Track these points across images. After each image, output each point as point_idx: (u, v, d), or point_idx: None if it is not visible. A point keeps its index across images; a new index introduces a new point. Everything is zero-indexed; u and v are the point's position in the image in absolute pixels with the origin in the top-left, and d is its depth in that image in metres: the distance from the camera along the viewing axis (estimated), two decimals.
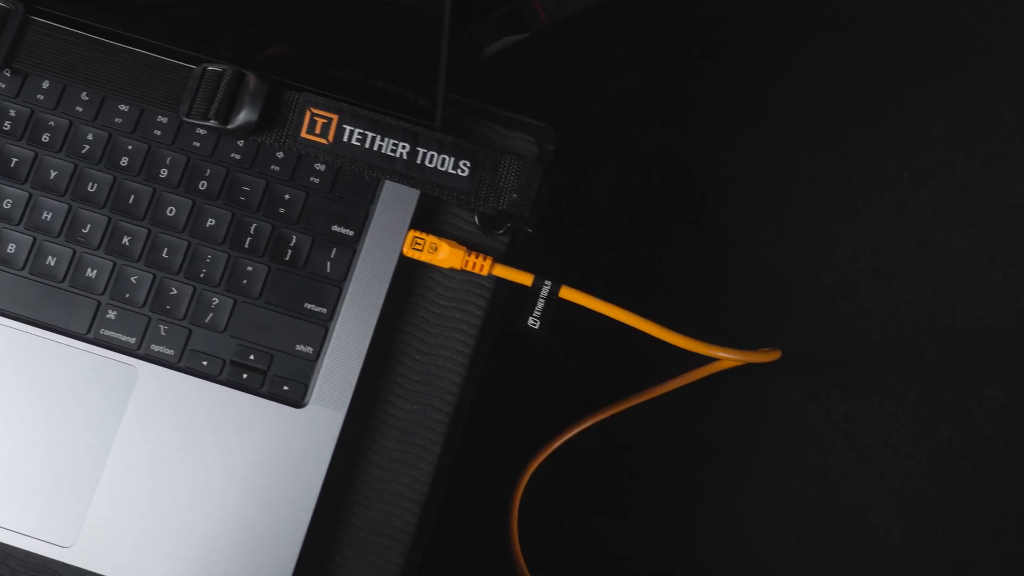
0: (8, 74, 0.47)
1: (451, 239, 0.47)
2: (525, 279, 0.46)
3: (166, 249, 0.46)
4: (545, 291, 0.46)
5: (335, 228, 0.46)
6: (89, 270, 0.45)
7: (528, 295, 0.46)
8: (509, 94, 0.60)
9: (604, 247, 0.59)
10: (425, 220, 0.47)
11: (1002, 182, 0.60)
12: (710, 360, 0.55)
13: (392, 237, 0.46)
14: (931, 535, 0.57)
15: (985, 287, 0.59)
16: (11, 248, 0.45)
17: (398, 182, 0.46)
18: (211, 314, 0.45)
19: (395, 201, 0.46)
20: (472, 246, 0.47)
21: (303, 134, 0.46)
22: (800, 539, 0.57)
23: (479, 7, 0.59)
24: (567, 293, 0.46)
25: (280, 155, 0.46)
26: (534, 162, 0.47)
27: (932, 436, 0.58)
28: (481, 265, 0.46)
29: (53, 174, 0.46)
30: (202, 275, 0.46)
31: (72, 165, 0.46)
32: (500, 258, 0.47)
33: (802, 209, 0.60)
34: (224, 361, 0.45)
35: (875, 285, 0.59)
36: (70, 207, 0.46)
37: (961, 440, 0.58)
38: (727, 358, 0.49)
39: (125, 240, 0.46)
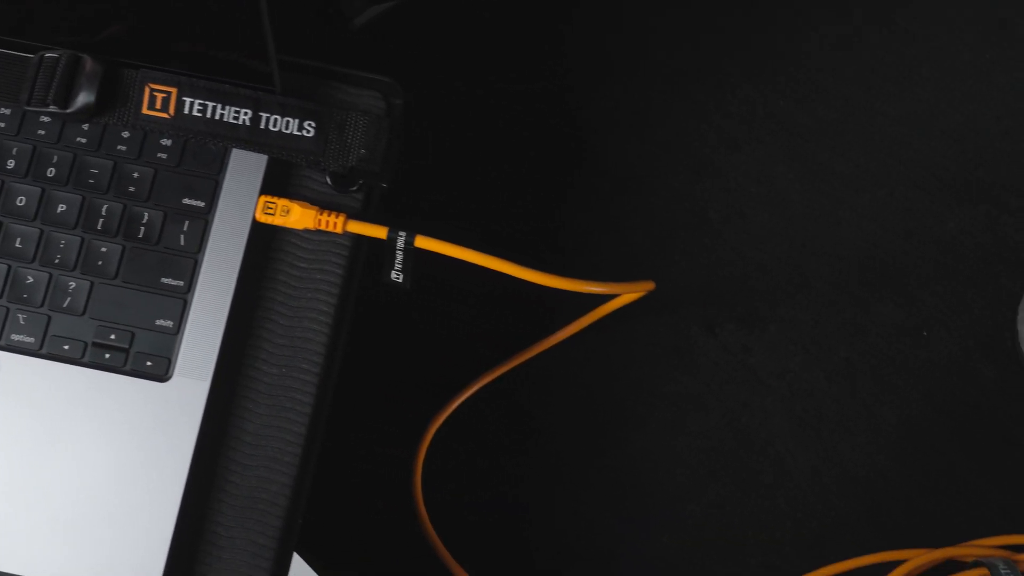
0: None
1: (305, 201, 0.46)
2: (379, 232, 0.45)
3: (18, 239, 0.45)
4: (401, 242, 0.45)
5: (186, 201, 0.46)
6: None
7: (385, 248, 0.46)
8: (390, 61, 0.60)
9: (489, 197, 0.58)
10: (278, 185, 0.47)
11: (878, 100, 0.60)
12: (599, 305, 0.55)
13: (244, 204, 0.46)
14: (837, 457, 0.56)
15: (870, 206, 0.59)
16: None
17: (244, 149, 0.46)
18: (69, 298, 0.45)
19: (244, 168, 0.46)
20: (327, 206, 0.46)
21: (144, 110, 0.45)
22: (708, 472, 0.56)
23: None
24: (423, 242, 0.45)
25: (126, 134, 0.46)
26: (381, 117, 0.47)
27: (830, 357, 0.57)
28: (334, 223, 0.45)
29: None
30: (57, 261, 0.45)
31: None
32: (356, 215, 0.46)
33: (684, 145, 0.59)
34: (85, 344, 0.44)
35: (761, 213, 0.59)
36: None
37: (859, 358, 0.57)
38: (598, 291, 0.49)
39: None
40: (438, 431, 0.55)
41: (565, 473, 0.56)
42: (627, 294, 0.53)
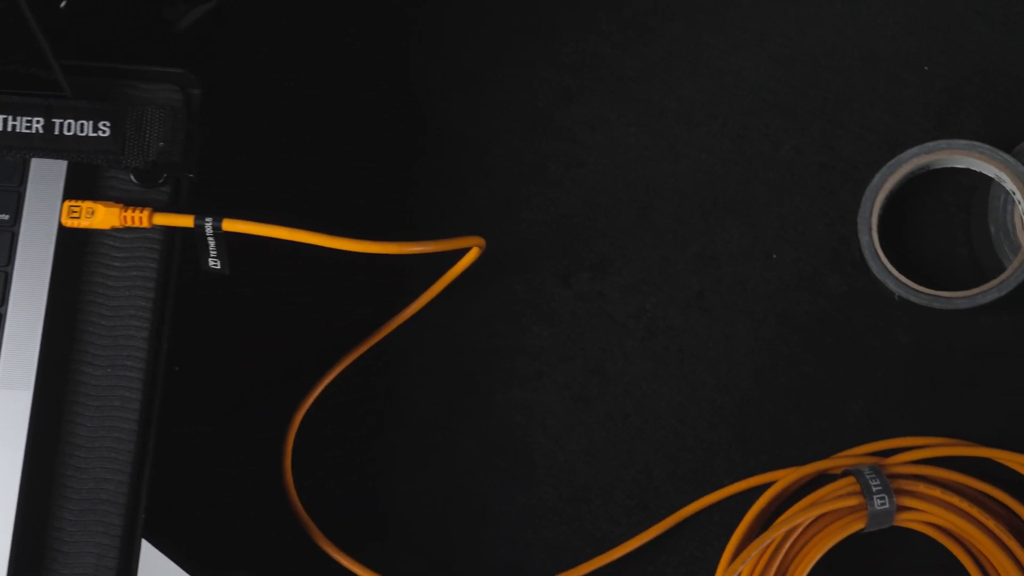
0: None
1: (112, 200, 0.46)
2: (186, 221, 0.45)
3: None
4: (209, 228, 0.45)
5: None
6: None
7: (196, 237, 0.46)
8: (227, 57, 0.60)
9: (331, 175, 0.58)
10: (85, 188, 0.46)
11: (704, 34, 0.60)
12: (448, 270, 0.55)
13: (49, 212, 0.45)
14: (701, 389, 0.56)
15: (707, 138, 0.59)
16: None
17: (42, 157, 0.45)
18: None
19: (46, 176, 0.46)
20: (136, 203, 0.46)
21: None
22: (576, 420, 0.56)
23: None
24: (231, 225, 0.45)
25: None
26: (178, 109, 0.46)
27: (683, 292, 0.57)
28: (139, 218, 0.45)
29: None
30: None
31: None
32: (165, 208, 0.46)
33: (519, 102, 0.59)
34: None
35: (601, 160, 0.58)
36: None
37: (711, 289, 0.57)
38: (420, 251, 0.49)
39: None
40: (306, 415, 0.55)
41: (435, 440, 0.56)
42: (468, 256, 0.53)
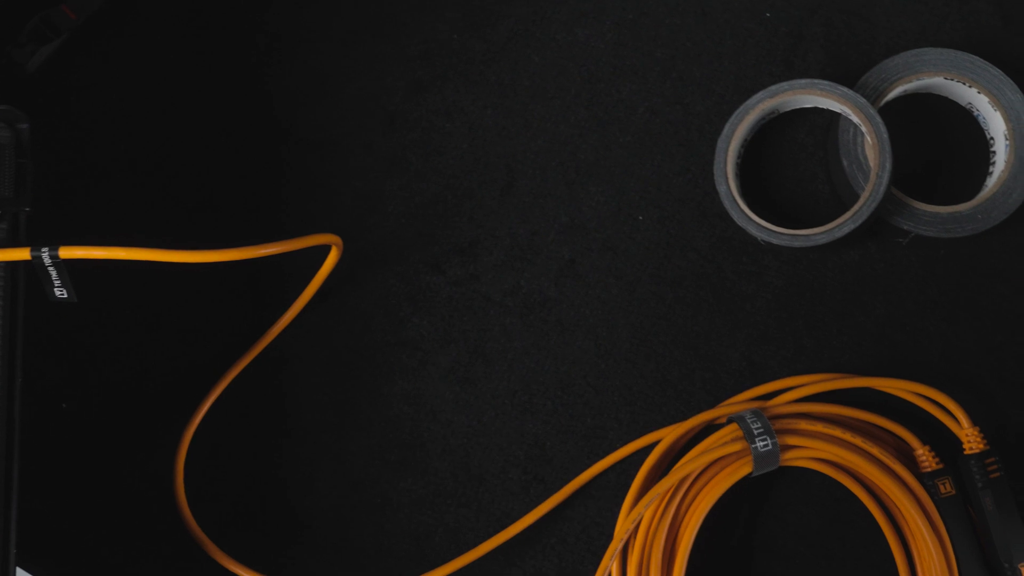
0: None
1: None
2: (22, 254, 0.45)
3: None
4: (46, 258, 0.45)
5: None
6: None
7: (37, 269, 0.45)
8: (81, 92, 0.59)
9: (197, 188, 0.58)
10: None
11: (548, 8, 0.59)
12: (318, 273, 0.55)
13: None
14: (584, 356, 0.56)
15: (561, 109, 0.58)
16: None
17: None
18: None
19: None
20: None
21: None
22: (464, 403, 0.56)
23: (9, 28, 0.59)
24: (68, 252, 0.45)
25: None
26: (5, 145, 0.46)
27: (555, 262, 0.57)
28: None
29: None
30: None
31: None
32: (5, 244, 0.46)
33: (373, 99, 0.59)
34: None
35: (460, 145, 0.58)
36: None
37: (582, 256, 0.57)
38: (274, 252, 0.48)
39: None
40: (195, 431, 0.55)
41: (327, 441, 0.56)
42: (331, 256, 0.53)
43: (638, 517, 0.51)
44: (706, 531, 0.53)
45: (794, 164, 0.58)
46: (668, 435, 0.53)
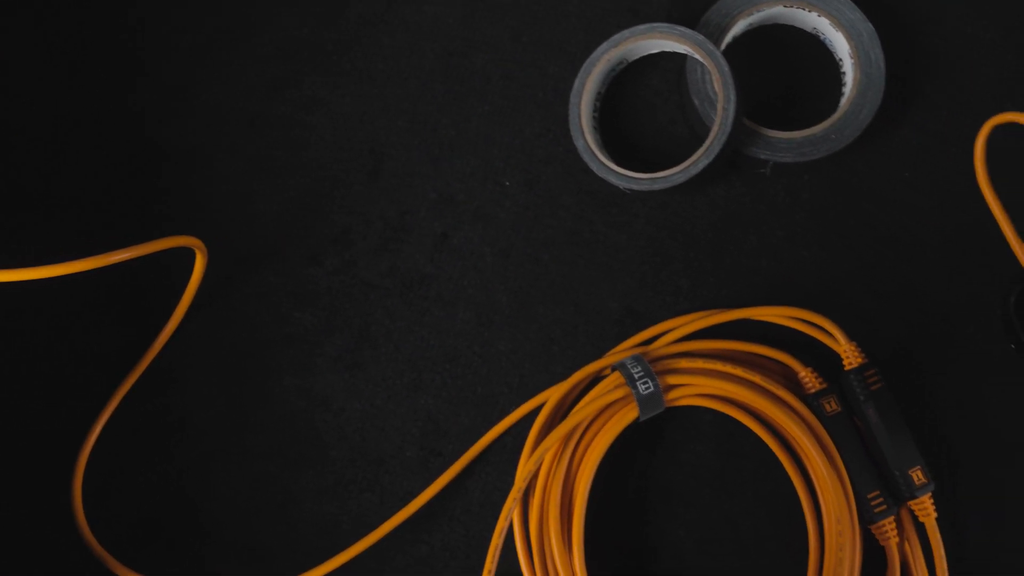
0: None
1: None
2: None
3: None
4: None
5: None
6: None
7: None
8: None
9: (65, 205, 0.58)
10: None
11: (396, 3, 0.60)
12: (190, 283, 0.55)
13: None
14: (467, 328, 0.56)
15: (418, 90, 0.58)
16: None
17: None
18: None
19: None
20: None
21: None
22: (356, 389, 0.55)
23: None
24: None
25: None
26: None
27: (428, 239, 0.57)
28: None
29: None
30: None
31: None
32: None
33: (232, 102, 0.59)
34: None
35: (323, 137, 0.58)
36: None
37: (453, 229, 0.57)
38: (127, 257, 0.48)
39: None
40: (91, 453, 0.55)
41: (224, 445, 0.55)
42: (198, 260, 0.53)
43: (538, 460, 0.51)
44: (605, 480, 0.53)
45: (652, 111, 0.58)
46: (554, 394, 0.53)
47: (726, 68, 0.53)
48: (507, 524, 0.50)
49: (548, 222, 0.57)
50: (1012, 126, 0.48)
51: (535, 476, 0.52)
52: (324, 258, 0.57)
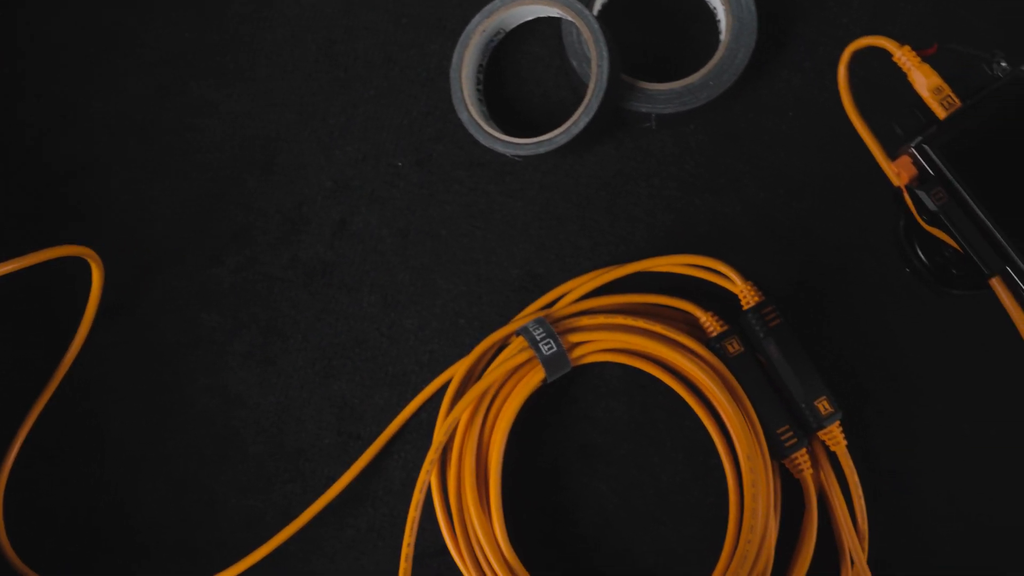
0: None
1: None
2: None
3: None
4: None
5: None
6: None
7: None
8: None
9: None
10: None
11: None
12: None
13: None
14: (374, 310, 0.56)
15: (304, 81, 0.59)
16: None
17: None
18: None
19: None
20: None
21: None
22: (266, 381, 0.55)
23: None
24: None
25: None
26: None
27: (327, 227, 0.57)
28: None
29: None
30: None
31: None
32: None
33: (121, 113, 0.59)
34: None
35: (216, 137, 0.58)
36: None
37: (350, 215, 0.57)
38: (15, 268, 0.48)
39: None
40: (11, 473, 0.55)
41: (144, 452, 0.55)
42: (94, 271, 0.53)
43: (450, 428, 0.51)
44: (522, 445, 0.53)
45: (535, 78, 0.58)
46: (460, 368, 0.53)
47: (595, 25, 0.54)
48: (422, 497, 0.51)
49: (443, 198, 0.57)
50: (877, 52, 0.48)
51: (449, 447, 0.52)
52: (226, 257, 0.57)
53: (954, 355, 0.53)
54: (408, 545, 0.50)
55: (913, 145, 0.45)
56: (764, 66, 0.57)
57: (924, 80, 0.46)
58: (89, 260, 0.52)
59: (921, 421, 0.53)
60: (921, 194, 0.45)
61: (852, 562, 0.51)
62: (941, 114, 0.45)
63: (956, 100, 0.46)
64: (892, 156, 0.47)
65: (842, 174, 0.55)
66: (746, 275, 0.53)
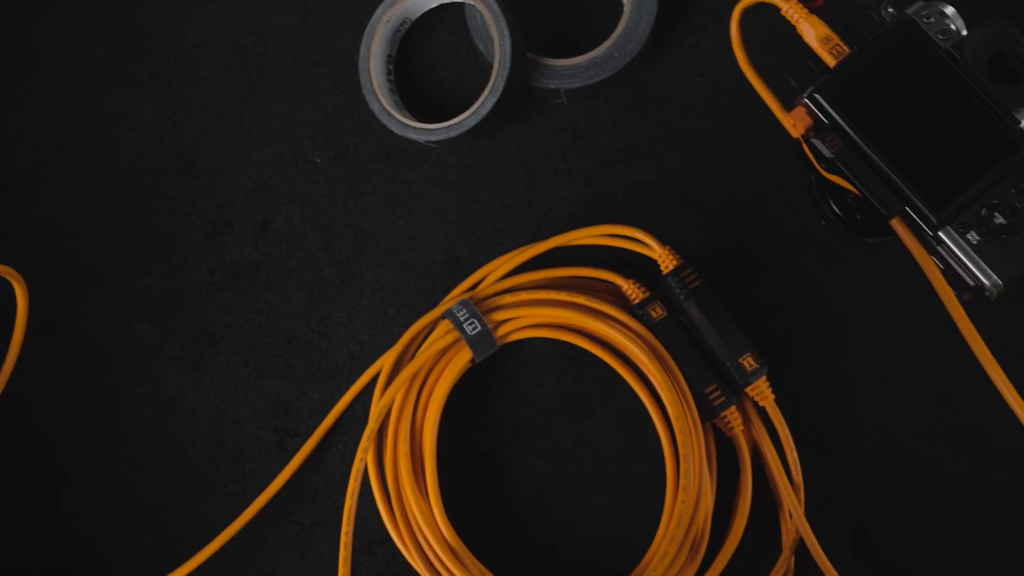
0: None
1: None
2: None
3: None
4: None
5: None
6: None
7: None
8: None
9: None
10: None
11: (181, 5, 0.61)
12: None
13: None
14: (301, 306, 0.56)
15: (200, 85, 0.59)
16: None
17: None
18: None
19: None
20: None
21: None
22: (206, 388, 0.56)
23: None
24: None
25: None
26: None
27: (249, 228, 0.57)
28: None
29: None
30: None
31: None
32: None
33: (32, 130, 0.59)
34: None
35: (130, 149, 0.58)
36: None
37: (272, 214, 0.57)
38: None
39: None
40: None
41: (86, 464, 0.55)
42: (18, 293, 0.53)
43: (381, 415, 0.51)
44: (458, 428, 0.53)
45: (446, 64, 0.59)
46: (389, 356, 0.54)
47: (495, 6, 0.54)
48: (358, 485, 0.51)
49: (363, 189, 0.57)
50: (769, 8, 0.49)
51: (384, 434, 0.53)
52: (152, 266, 0.57)
53: (874, 301, 0.54)
54: (346, 534, 0.50)
55: (805, 95, 0.46)
56: (669, 34, 0.57)
57: (812, 31, 0.47)
58: (11, 280, 0.52)
59: (848, 367, 0.53)
60: (816, 142, 0.45)
61: (791, 514, 0.51)
62: (831, 63, 0.46)
63: (845, 48, 0.46)
64: (789, 109, 0.47)
65: (753, 134, 0.56)
66: (665, 240, 0.54)
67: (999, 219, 0.43)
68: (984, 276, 0.43)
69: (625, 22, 0.56)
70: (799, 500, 0.51)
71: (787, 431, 0.52)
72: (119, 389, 0.56)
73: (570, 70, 0.55)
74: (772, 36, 0.56)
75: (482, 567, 0.51)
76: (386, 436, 0.52)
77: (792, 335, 0.54)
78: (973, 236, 0.43)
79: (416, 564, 0.51)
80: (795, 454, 0.51)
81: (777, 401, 0.52)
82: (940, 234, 0.44)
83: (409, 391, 0.52)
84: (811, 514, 0.51)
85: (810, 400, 0.53)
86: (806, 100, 0.46)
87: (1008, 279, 0.43)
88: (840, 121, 0.45)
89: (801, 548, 0.51)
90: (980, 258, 0.43)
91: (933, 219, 0.44)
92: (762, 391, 0.52)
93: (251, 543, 0.54)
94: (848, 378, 0.53)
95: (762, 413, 0.52)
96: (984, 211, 0.43)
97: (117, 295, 0.57)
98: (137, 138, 0.59)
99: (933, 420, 0.53)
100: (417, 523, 0.51)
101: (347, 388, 0.55)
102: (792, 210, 0.55)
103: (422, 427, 0.52)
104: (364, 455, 0.51)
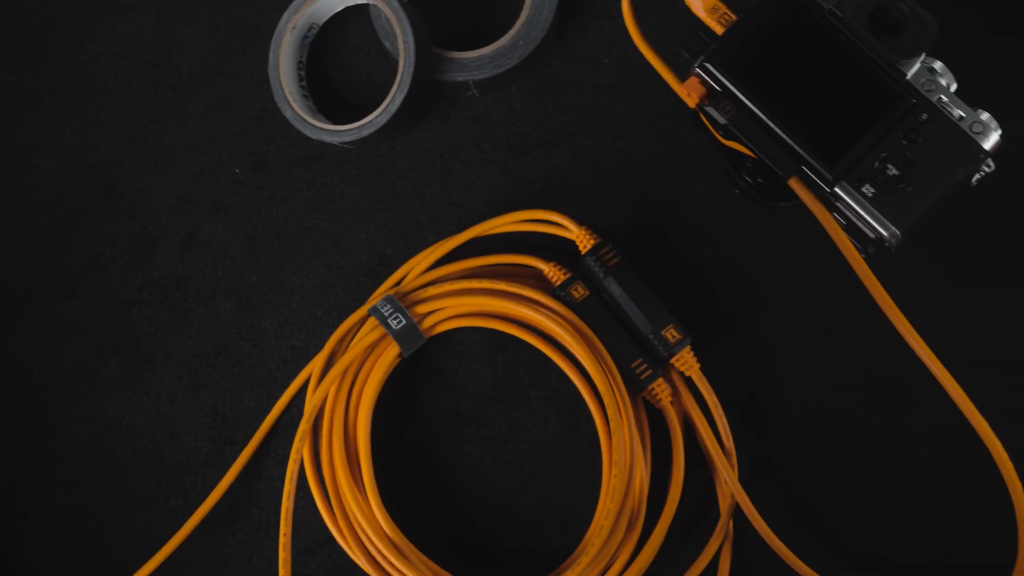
0: None
1: None
2: None
3: None
4: None
5: None
6: None
7: None
8: None
9: None
10: None
11: (91, 43, 0.61)
12: None
13: None
14: (232, 315, 0.57)
15: (132, 103, 0.59)
16: None
17: None
18: None
19: None
20: None
21: None
22: (143, 405, 0.56)
23: None
24: None
25: None
26: None
27: (177, 242, 0.57)
28: None
29: None
30: None
31: None
32: None
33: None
34: None
35: (50, 174, 0.59)
36: None
37: (197, 227, 0.58)
38: None
39: None
40: None
41: (27, 491, 0.55)
42: None
43: (316, 407, 0.52)
44: (392, 422, 0.54)
45: (357, 66, 0.59)
46: (318, 360, 0.54)
47: (395, 4, 0.55)
48: (294, 486, 0.51)
49: (284, 195, 0.58)
50: None
51: (319, 434, 0.53)
52: (81, 288, 0.58)
53: (792, 264, 0.54)
54: (284, 535, 0.51)
55: (696, 65, 0.46)
56: (574, 19, 0.58)
57: (700, 2, 0.47)
58: None
59: (772, 331, 0.54)
60: (710, 110, 0.46)
61: (726, 481, 0.52)
62: (720, 32, 0.47)
63: (733, 16, 0.47)
64: (684, 80, 0.48)
65: (664, 109, 0.57)
66: (584, 221, 0.54)
67: (892, 171, 0.44)
68: (882, 227, 0.44)
69: (528, 10, 0.56)
70: (732, 465, 0.52)
71: (715, 398, 0.52)
72: (55, 412, 0.56)
73: (477, 62, 0.56)
74: (675, 14, 0.57)
75: (425, 558, 0.51)
76: (320, 435, 0.53)
77: (715, 304, 0.55)
78: (868, 189, 0.44)
79: (360, 561, 0.51)
80: (724, 420, 0.52)
81: (704, 370, 0.52)
82: (836, 189, 0.45)
83: (340, 389, 0.53)
84: (745, 479, 0.52)
85: (737, 366, 0.54)
86: (697, 70, 0.46)
87: (905, 228, 0.44)
88: (731, 87, 0.45)
89: (738, 513, 0.51)
90: (876, 210, 0.44)
91: (828, 175, 0.45)
92: (687, 361, 0.52)
93: (198, 555, 0.54)
94: (773, 342, 0.54)
95: (690, 383, 0.53)
96: (877, 164, 0.44)
97: (47, 319, 0.57)
98: (55, 163, 0.59)
99: (858, 374, 0.53)
100: (357, 520, 0.52)
101: (281, 393, 0.55)
102: (706, 181, 0.56)
103: (355, 423, 0.53)
104: (298, 455, 0.51)
